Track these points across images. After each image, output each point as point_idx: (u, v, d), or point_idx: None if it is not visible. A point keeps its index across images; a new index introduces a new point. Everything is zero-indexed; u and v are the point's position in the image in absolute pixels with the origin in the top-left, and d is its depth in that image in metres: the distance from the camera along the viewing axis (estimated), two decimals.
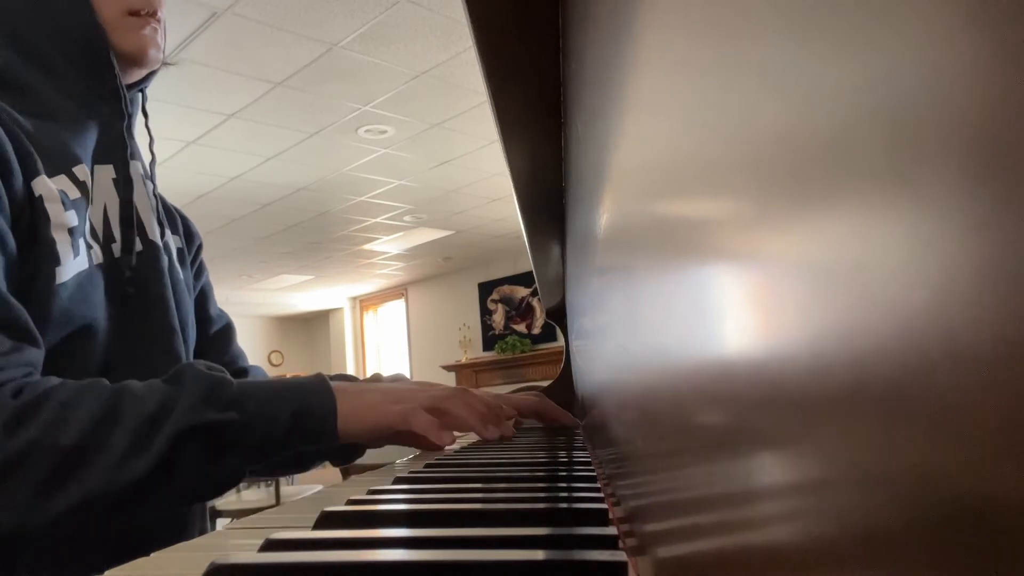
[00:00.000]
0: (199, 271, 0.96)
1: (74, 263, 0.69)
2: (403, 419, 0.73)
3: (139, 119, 0.84)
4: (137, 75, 0.81)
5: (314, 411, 0.69)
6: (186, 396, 0.63)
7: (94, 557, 0.67)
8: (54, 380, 0.62)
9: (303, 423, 0.68)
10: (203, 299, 0.94)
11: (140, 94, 0.84)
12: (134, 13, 0.76)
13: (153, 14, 0.77)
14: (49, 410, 0.58)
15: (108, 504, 0.59)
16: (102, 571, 0.36)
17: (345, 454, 0.91)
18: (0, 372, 0.59)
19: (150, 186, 0.83)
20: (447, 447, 0.80)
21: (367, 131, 4.07)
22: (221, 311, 0.98)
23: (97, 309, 0.72)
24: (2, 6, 0.73)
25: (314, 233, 6.24)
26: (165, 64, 0.83)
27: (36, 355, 0.63)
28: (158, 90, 3.14)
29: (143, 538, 0.69)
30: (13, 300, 0.62)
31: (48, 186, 0.68)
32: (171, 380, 0.65)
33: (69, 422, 0.59)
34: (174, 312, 0.80)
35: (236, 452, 0.65)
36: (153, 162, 0.85)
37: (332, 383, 0.72)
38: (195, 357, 0.88)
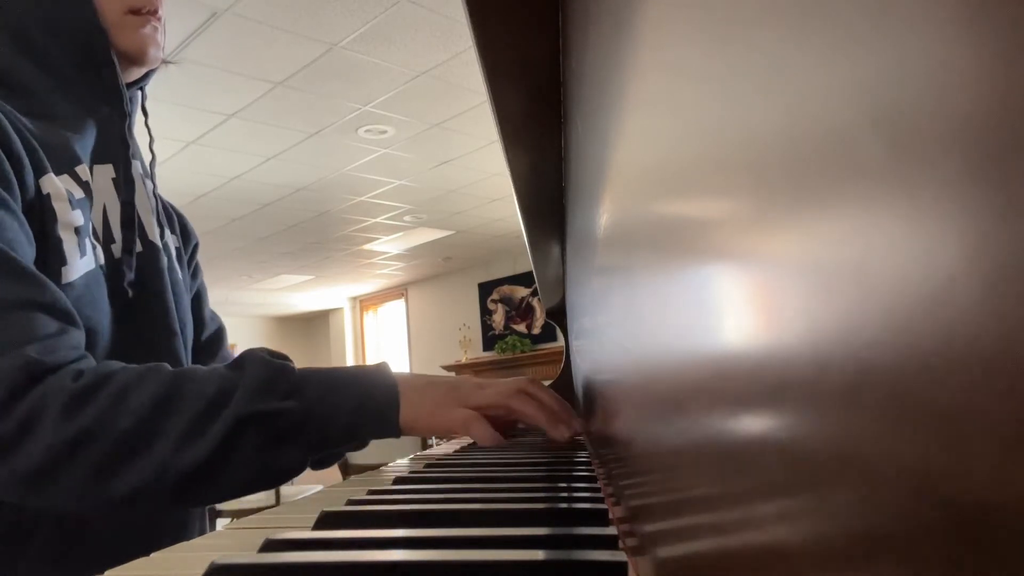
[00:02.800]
0: (195, 272, 0.95)
1: (81, 263, 0.69)
2: (464, 427, 0.73)
3: (138, 118, 0.84)
4: (137, 73, 0.80)
5: (377, 404, 0.68)
6: (246, 383, 0.63)
7: (94, 557, 0.67)
8: (115, 364, 0.63)
9: (364, 415, 0.67)
10: (198, 301, 0.94)
11: (140, 92, 0.84)
12: (135, 11, 0.76)
13: (154, 12, 0.77)
14: (109, 393, 0.59)
15: (166, 489, 0.60)
16: (102, 571, 0.36)
17: (324, 459, 0.90)
18: (54, 354, 0.59)
19: (150, 186, 0.83)
20: (446, 447, 0.79)
21: (367, 131, 4.07)
22: (214, 313, 0.97)
23: (101, 310, 0.71)
24: (4, 5, 0.73)
25: (314, 233, 6.23)
26: (165, 63, 0.83)
27: (80, 337, 0.64)
28: (158, 90, 3.15)
29: (143, 538, 0.69)
30: (52, 284, 0.62)
31: (56, 184, 0.68)
32: (233, 367, 0.65)
33: (128, 406, 0.59)
34: (174, 313, 0.80)
35: (295, 441, 0.64)
36: (153, 161, 0.85)
37: (397, 375, 0.71)
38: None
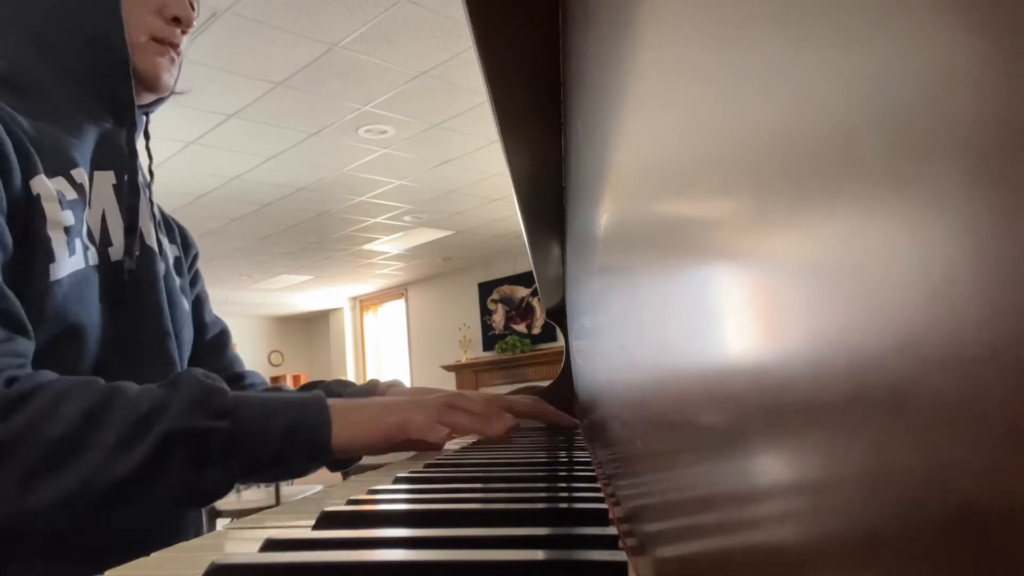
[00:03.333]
0: (195, 279, 0.98)
1: (70, 262, 0.70)
2: (400, 429, 0.73)
3: (139, 141, 0.86)
4: (146, 98, 0.83)
5: (308, 426, 0.68)
6: (178, 400, 0.63)
7: (88, 557, 0.67)
8: (50, 374, 0.62)
9: (296, 437, 0.67)
10: (199, 306, 0.96)
11: (144, 117, 0.86)
12: (158, 40, 0.79)
13: (175, 45, 0.81)
14: (40, 402, 0.59)
15: (92, 501, 0.59)
16: (99, 571, 0.36)
17: (341, 460, 0.90)
18: None
19: (147, 194, 0.85)
20: (447, 445, 0.80)
21: (367, 131, 4.08)
22: (216, 318, 0.99)
23: (91, 309, 0.72)
24: (34, 5, 0.75)
25: (314, 233, 6.24)
26: (174, 93, 0.86)
27: (28, 347, 0.64)
28: None
29: (136, 537, 0.69)
30: (8, 291, 0.63)
31: (46, 185, 0.69)
32: (167, 385, 0.65)
33: (58, 416, 0.59)
34: (167, 315, 0.81)
35: (224, 462, 0.64)
36: (152, 181, 0.87)
37: (329, 400, 0.71)
38: (191, 363, 0.89)
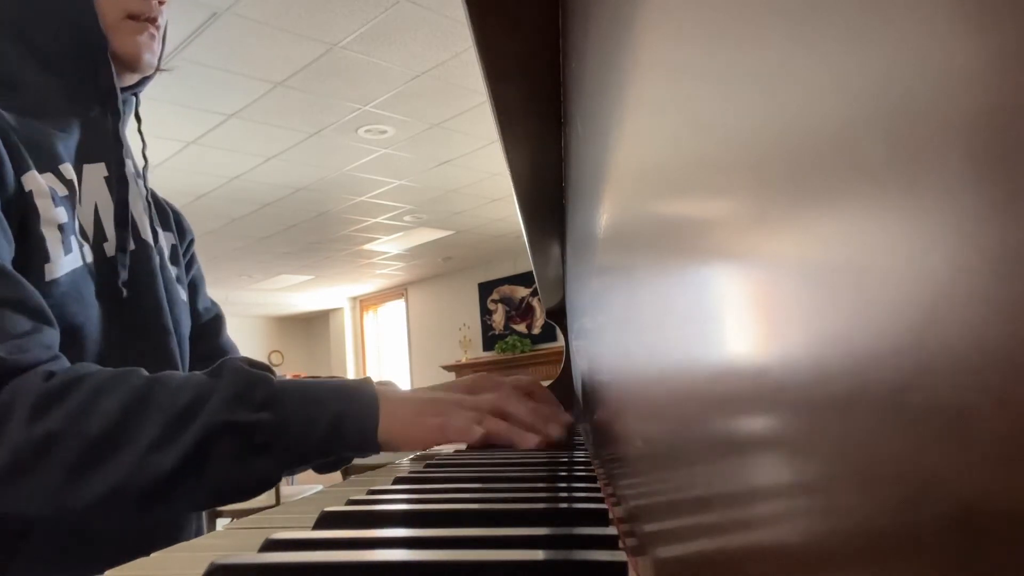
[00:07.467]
0: (191, 262, 0.95)
1: (66, 260, 0.68)
2: (442, 433, 0.70)
3: (131, 124, 0.84)
4: (131, 79, 0.81)
5: (355, 418, 0.66)
6: (221, 391, 0.61)
7: (89, 557, 0.66)
8: (90, 366, 0.61)
9: (342, 430, 0.65)
10: (193, 291, 0.93)
11: (133, 98, 0.84)
12: (133, 17, 0.76)
13: (152, 20, 0.78)
14: (79, 396, 0.57)
15: (135, 497, 0.58)
16: (100, 571, 0.36)
17: (331, 463, 0.89)
18: (25, 353, 0.58)
19: (142, 184, 0.83)
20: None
21: (367, 131, 4.07)
22: (212, 303, 0.97)
23: (90, 309, 0.71)
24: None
25: (314, 233, 6.23)
26: (160, 70, 0.83)
27: (54, 336, 0.62)
28: (159, 90, 3.15)
29: (138, 538, 0.69)
30: (26, 282, 0.61)
31: (38, 181, 0.67)
32: (211, 374, 0.63)
33: (98, 410, 0.57)
34: (167, 312, 0.80)
35: (269, 454, 0.62)
36: (146, 167, 0.85)
37: (379, 388, 0.69)
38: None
